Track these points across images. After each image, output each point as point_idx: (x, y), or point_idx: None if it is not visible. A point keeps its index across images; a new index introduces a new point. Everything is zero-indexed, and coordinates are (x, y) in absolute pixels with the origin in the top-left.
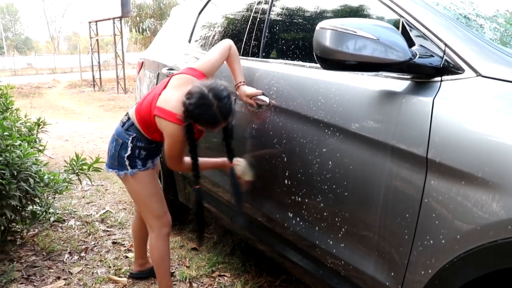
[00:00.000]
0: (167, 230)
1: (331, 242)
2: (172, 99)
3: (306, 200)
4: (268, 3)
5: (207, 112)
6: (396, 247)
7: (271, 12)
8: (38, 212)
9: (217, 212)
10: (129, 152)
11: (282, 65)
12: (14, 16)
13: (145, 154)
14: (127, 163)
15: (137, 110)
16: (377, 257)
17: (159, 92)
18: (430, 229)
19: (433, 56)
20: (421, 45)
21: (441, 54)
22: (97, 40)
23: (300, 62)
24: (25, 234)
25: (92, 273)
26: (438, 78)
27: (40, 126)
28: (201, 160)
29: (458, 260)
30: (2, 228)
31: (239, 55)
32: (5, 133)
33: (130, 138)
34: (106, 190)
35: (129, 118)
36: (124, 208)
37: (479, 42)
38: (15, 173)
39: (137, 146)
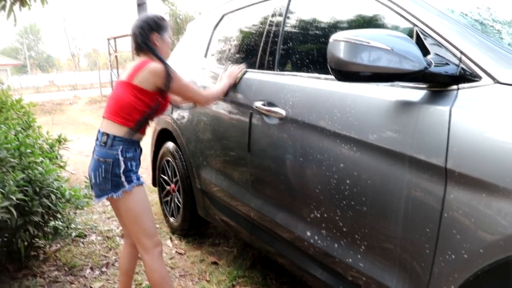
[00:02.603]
0: (160, 248)
1: (352, 255)
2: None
3: (325, 214)
4: (282, 16)
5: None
6: (418, 261)
7: (285, 25)
8: (60, 227)
9: (236, 225)
10: (123, 166)
11: (297, 77)
12: (36, 36)
13: (135, 165)
14: (123, 179)
15: (109, 115)
16: (399, 271)
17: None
18: (451, 243)
19: (448, 64)
20: (436, 54)
21: (457, 62)
22: (116, 56)
23: (315, 74)
24: (48, 249)
25: None
26: (455, 87)
27: (61, 143)
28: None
29: (482, 273)
30: (26, 243)
31: (254, 68)
32: (28, 150)
33: (119, 152)
34: None
35: (107, 135)
36: None
37: (496, 49)
38: (38, 190)
39: (127, 157)
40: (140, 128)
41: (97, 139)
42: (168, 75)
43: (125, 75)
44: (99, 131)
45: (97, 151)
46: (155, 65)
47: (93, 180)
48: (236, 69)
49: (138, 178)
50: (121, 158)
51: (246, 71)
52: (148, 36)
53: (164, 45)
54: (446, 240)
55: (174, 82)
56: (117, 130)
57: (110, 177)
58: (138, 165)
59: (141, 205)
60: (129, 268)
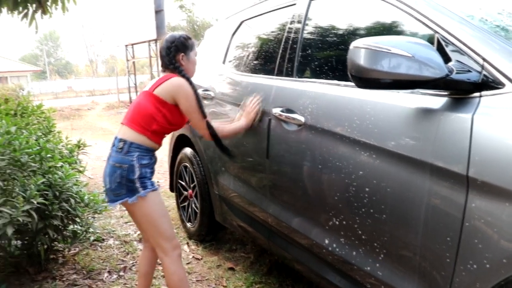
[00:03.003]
0: (179, 251)
1: (370, 263)
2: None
3: (344, 221)
4: (301, 23)
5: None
6: (438, 270)
7: (304, 32)
8: (79, 231)
9: (253, 231)
10: (137, 173)
11: (316, 84)
12: (56, 42)
13: (150, 172)
14: (138, 185)
15: (128, 122)
16: (419, 279)
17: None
18: (473, 253)
19: (470, 72)
20: (458, 61)
21: (479, 69)
22: (133, 62)
23: (334, 81)
24: (67, 253)
25: None
26: (477, 94)
27: (80, 148)
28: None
29: (506, 284)
30: (45, 246)
31: (273, 75)
32: (48, 155)
33: (135, 159)
34: None
35: (124, 141)
36: None
37: None
38: (58, 194)
39: (142, 164)
40: (156, 138)
41: (113, 145)
42: (191, 86)
43: (149, 86)
44: (116, 137)
45: (113, 156)
46: (177, 78)
47: (108, 185)
48: (253, 112)
49: (152, 184)
50: (136, 165)
51: (263, 113)
52: (174, 57)
53: (189, 64)
54: (467, 250)
55: (188, 98)
56: (134, 137)
57: (125, 182)
58: (152, 172)
59: (157, 210)
60: (148, 271)
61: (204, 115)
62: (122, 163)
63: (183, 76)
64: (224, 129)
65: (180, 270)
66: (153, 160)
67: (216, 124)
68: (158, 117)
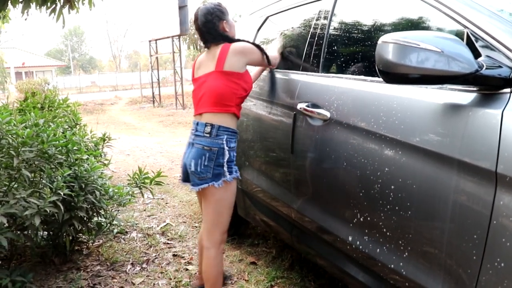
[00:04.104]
0: (224, 246)
1: (395, 259)
2: None
3: (369, 218)
4: (327, 18)
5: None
6: (464, 268)
7: (330, 27)
8: (103, 223)
9: (276, 226)
10: (227, 156)
11: (342, 79)
12: (80, 38)
13: (235, 156)
14: (225, 168)
15: (208, 108)
16: (444, 276)
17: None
18: (500, 251)
19: (501, 67)
20: (488, 56)
21: (510, 64)
22: (156, 57)
23: (361, 77)
24: (91, 244)
25: (154, 284)
26: (508, 90)
27: (105, 141)
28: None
29: None
30: (71, 238)
31: (298, 70)
32: (75, 148)
33: (224, 142)
34: (166, 203)
35: (212, 125)
36: (184, 222)
37: None
38: (83, 186)
39: (231, 147)
40: (239, 112)
41: (195, 130)
42: (256, 46)
43: (212, 66)
44: (197, 123)
45: (200, 140)
46: (237, 44)
47: (193, 168)
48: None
49: (236, 170)
50: (226, 148)
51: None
52: (219, 27)
53: (232, 28)
54: (494, 248)
55: (254, 52)
56: (220, 119)
57: (213, 165)
58: (236, 156)
59: (231, 198)
60: None
61: (266, 54)
62: (211, 146)
63: (234, 41)
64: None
65: (221, 265)
66: (237, 143)
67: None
68: (237, 90)
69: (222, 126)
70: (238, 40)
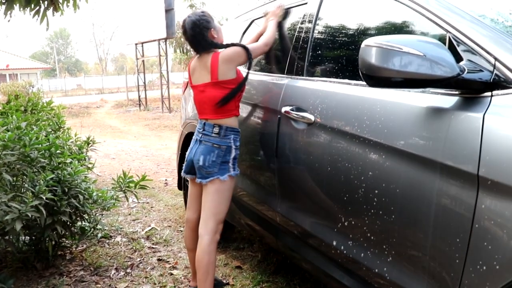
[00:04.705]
0: (219, 237)
1: (379, 263)
2: None
3: (353, 221)
4: (312, 22)
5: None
6: (447, 271)
7: (315, 31)
8: (86, 228)
9: (261, 230)
10: (233, 153)
11: (326, 83)
12: (66, 40)
13: (238, 154)
14: (230, 164)
15: (213, 115)
16: (428, 279)
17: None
18: (483, 254)
19: (482, 71)
20: (469, 60)
21: (490, 68)
22: (143, 61)
23: (345, 80)
24: (74, 249)
25: None
26: (488, 93)
27: (89, 145)
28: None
29: None
30: (53, 242)
31: (283, 73)
32: (58, 151)
33: (232, 141)
34: (151, 207)
35: (220, 126)
36: (169, 226)
37: None
38: (66, 190)
39: (236, 146)
40: (239, 112)
41: (203, 129)
42: (243, 48)
43: (208, 77)
44: (204, 123)
45: (209, 138)
46: (226, 52)
47: (201, 163)
48: (276, 9)
49: (237, 168)
50: (233, 146)
51: (285, 9)
52: (207, 36)
53: (219, 32)
54: (477, 251)
55: (252, 52)
56: (226, 122)
57: (220, 161)
58: (238, 154)
59: (231, 191)
60: (195, 247)
61: (246, 48)
62: (220, 144)
63: (225, 46)
64: (268, 37)
65: (213, 254)
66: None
67: (264, 39)
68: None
69: (229, 127)
70: (227, 45)
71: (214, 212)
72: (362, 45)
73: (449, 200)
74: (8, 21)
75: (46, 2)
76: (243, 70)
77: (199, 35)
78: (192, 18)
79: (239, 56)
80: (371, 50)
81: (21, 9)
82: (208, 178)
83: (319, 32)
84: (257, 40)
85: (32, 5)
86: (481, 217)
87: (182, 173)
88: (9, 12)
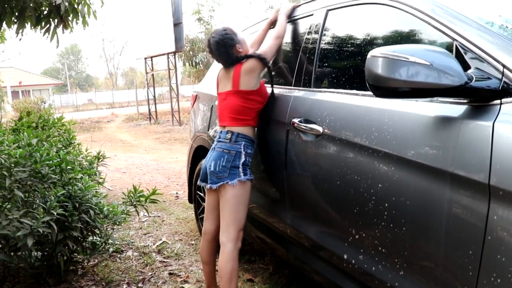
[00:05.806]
0: (240, 245)
1: (391, 275)
2: None
3: (364, 234)
4: (318, 33)
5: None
6: (460, 282)
7: (321, 42)
8: (98, 243)
9: (272, 243)
10: (243, 159)
11: (334, 94)
12: (77, 56)
13: (250, 162)
14: (240, 169)
15: (229, 122)
16: None
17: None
18: (496, 266)
19: (490, 79)
20: (477, 68)
21: (499, 76)
22: (152, 75)
23: (352, 91)
24: (86, 264)
25: None
26: (498, 101)
27: (100, 160)
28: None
29: None
30: (65, 258)
31: (290, 85)
32: (68, 167)
33: (242, 147)
34: (162, 221)
35: (232, 132)
36: (180, 239)
37: None
38: (77, 205)
39: (247, 153)
40: (256, 121)
41: (219, 137)
42: (256, 58)
43: (230, 85)
44: (221, 131)
45: (221, 144)
46: (245, 65)
47: (212, 168)
48: (284, 9)
49: (251, 174)
50: (243, 152)
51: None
52: (233, 53)
53: (244, 45)
54: (490, 262)
55: (266, 57)
56: (240, 129)
57: (230, 166)
58: (251, 161)
59: (246, 197)
60: (210, 260)
61: (260, 57)
62: (230, 149)
63: (247, 57)
64: (278, 30)
65: (236, 261)
66: (254, 151)
67: (275, 34)
68: (253, 106)
69: (241, 133)
70: (251, 56)
71: (233, 218)
72: (368, 56)
73: (460, 210)
74: (20, 39)
75: (56, 20)
76: (268, 86)
77: (224, 54)
78: (216, 38)
79: (256, 66)
80: (377, 61)
81: (32, 27)
82: (218, 182)
83: (325, 43)
84: (262, 38)
85: (43, 23)
86: (494, 228)
87: (199, 182)
88: (20, 30)
